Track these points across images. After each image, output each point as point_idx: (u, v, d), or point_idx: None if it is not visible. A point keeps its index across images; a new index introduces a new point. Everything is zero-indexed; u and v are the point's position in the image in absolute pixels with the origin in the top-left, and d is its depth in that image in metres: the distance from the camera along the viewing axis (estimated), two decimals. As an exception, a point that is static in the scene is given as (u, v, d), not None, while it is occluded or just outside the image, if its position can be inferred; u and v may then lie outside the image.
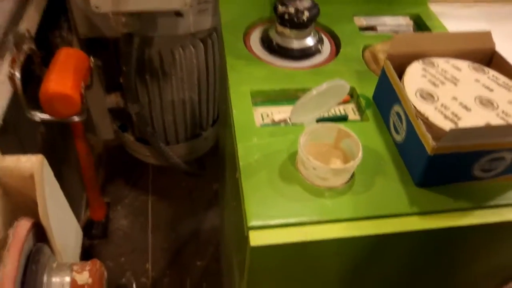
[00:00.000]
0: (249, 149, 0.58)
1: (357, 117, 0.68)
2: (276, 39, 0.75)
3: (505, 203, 0.56)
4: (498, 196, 0.56)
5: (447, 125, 0.53)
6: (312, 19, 0.72)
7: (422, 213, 0.53)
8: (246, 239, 0.50)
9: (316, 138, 0.58)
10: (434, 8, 0.96)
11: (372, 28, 0.85)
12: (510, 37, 1.06)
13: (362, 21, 0.86)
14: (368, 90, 0.69)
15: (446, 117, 0.54)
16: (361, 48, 0.78)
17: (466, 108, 0.55)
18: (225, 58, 0.73)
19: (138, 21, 0.82)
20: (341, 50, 0.77)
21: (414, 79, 0.59)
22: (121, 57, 0.91)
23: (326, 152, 0.59)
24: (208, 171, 1.41)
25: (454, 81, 0.59)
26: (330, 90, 0.54)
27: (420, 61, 0.62)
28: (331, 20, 0.84)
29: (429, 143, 0.51)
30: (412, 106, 0.55)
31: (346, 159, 0.58)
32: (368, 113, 0.66)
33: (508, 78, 0.61)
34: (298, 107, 0.53)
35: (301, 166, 0.56)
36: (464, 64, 0.63)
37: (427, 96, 0.57)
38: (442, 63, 0.62)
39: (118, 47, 0.92)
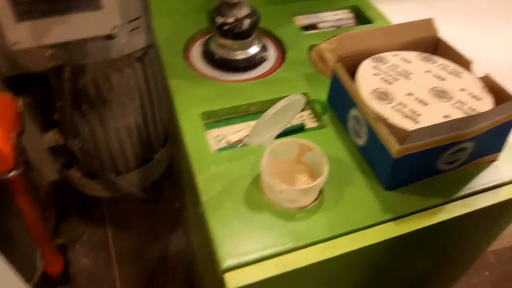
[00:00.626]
0: (208, 180, 0.54)
1: (315, 123, 0.65)
2: (218, 52, 0.71)
3: (472, 191, 0.55)
4: (464, 186, 0.56)
5: (407, 124, 0.51)
6: (253, 27, 0.68)
7: (396, 218, 0.52)
8: (221, 281, 0.46)
9: (278, 156, 0.55)
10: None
11: (313, 26, 0.82)
12: (445, 13, 1.08)
13: (302, 20, 0.83)
14: (320, 93, 0.66)
15: (405, 115, 0.52)
16: (307, 49, 0.75)
17: (423, 102, 0.54)
18: (167, 80, 0.68)
19: (66, 52, 0.74)
20: (287, 54, 0.74)
21: (367, 79, 0.57)
22: (53, 91, 0.83)
23: (290, 169, 0.56)
24: (166, 192, 1.35)
25: (407, 75, 0.58)
26: (286, 106, 0.50)
27: (370, 59, 0.60)
28: (271, 23, 0.80)
29: (393, 146, 0.49)
30: (370, 109, 0.53)
31: (311, 172, 0.55)
32: (325, 118, 0.63)
33: (456, 64, 0.60)
34: (255, 130, 0.49)
35: (267, 190, 0.52)
36: (412, 56, 0.61)
37: (383, 96, 0.55)
38: (391, 57, 0.61)
39: (48, 81, 0.84)
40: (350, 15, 0.85)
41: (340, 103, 0.61)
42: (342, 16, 0.84)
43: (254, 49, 0.71)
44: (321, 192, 0.53)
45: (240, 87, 0.67)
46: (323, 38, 0.76)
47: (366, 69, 0.59)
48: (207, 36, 0.76)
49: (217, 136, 0.62)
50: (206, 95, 0.65)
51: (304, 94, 0.66)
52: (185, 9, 0.80)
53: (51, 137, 0.98)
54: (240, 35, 0.67)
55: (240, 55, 0.70)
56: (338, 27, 0.82)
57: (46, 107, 0.94)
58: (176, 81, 0.68)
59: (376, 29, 0.63)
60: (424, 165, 0.53)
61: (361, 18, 0.86)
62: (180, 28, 0.78)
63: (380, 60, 0.60)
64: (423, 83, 0.57)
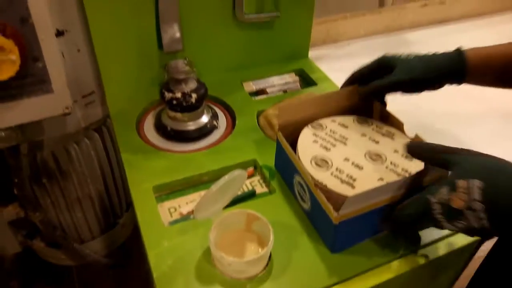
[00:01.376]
0: (160, 256, 0.55)
1: (265, 188, 0.68)
2: (169, 124, 0.74)
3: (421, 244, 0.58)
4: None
5: (345, 190, 0.54)
6: (201, 100, 0.72)
7: (342, 280, 0.54)
8: None
9: (227, 227, 0.57)
10: (314, 53, 1.02)
11: (262, 91, 0.87)
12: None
13: (251, 85, 0.88)
14: (269, 159, 0.69)
15: (342, 181, 0.56)
16: (255, 114, 0.79)
17: (359, 167, 0.58)
18: (120, 154, 0.70)
19: (20, 131, 0.76)
20: (236, 121, 0.78)
21: (307, 146, 0.61)
22: (10, 168, 0.84)
23: (240, 238, 0.58)
24: (135, 255, 1.33)
25: (344, 141, 0.62)
26: (229, 181, 0.53)
27: (310, 126, 0.64)
28: (221, 90, 0.85)
29: (331, 212, 0.52)
30: (310, 177, 0.56)
31: (260, 240, 0.57)
32: (274, 183, 0.66)
33: (389, 125, 0.65)
34: (200, 205, 0.52)
35: (217, 262, 0.54)
36: (349, 120, 0.66)
37: (322, 163, 0.58)
38: (329, 123, 0.65)
39: (4, 157, 0.85)
40: (296, 78, 0.91)
41: (285, 168, 0.64)
42: (289, 79, 0.89)
43: (204, 119, 0.75)
44: (270, 259, 0.55)
45: (192, 157, 0.70)
46: (271, 103, 0.81)
47: (306, 136, 0.63)
48: (159, 108, 0.79)
49: (170, 208, 0.64)
50: (158, 168, 0.68)
51: (253, 160, 0.70)
52: (137, 82, 0.83)
53: (11, 211, 0.97)
54: (189, 108, 0.71)
55: (191, 126, 0.73)
56: (285, 91, 0.87)
57: (4, 181, 0.94)
58: (128, 155, 0.70)
59: (312, 98, 0.67)
60: (365, 227, 0.56)
61: (306, 80, 0.91)
62: (133, 100, 0.81)
63: (319, 126, 0.64)
64: (359, 147, 0.61)
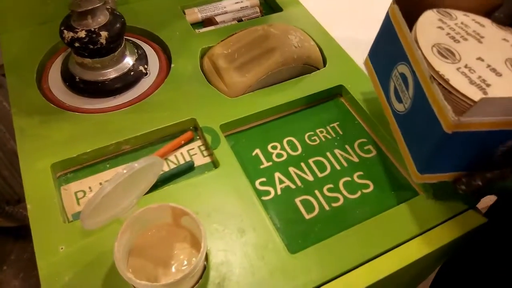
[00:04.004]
0: (54, 267, 0.40)
1: (207, 159, 0.51)
2: (78, 73, 0.55)
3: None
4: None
5: (473, 94, 0.38)
6: (115, 39, 0.52)
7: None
8: None
9: (149, 223, 0.41)
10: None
11: (210, 22, 0.67)
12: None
13: (195, 13, 0.67)
14: (213, 117, 0.52)
15: (472, 81, 0.40)
16: (198, 54, 0.60)
17: (496, 72, 0.41)
18: (12, 117, 0.52)
19: None
20: (172, 65, 0.59)
21: (429, 31, 0.44)
22: None
23: (168, 236, 0.42)
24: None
25: (478, 38, 0.45)
26: (139, 171, 0.36)
27: (435, 10, 0.47)
28: (154, 20, 0.64)
29: (447, 116, 0.36)
30: (425, 66, 0.39)
31: (194, 238, 0.42)
32: (218, 153, 0.49)
33: None
34: (90, 211, 0.35)
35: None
36: (486, 21, 0.48)
37: (447, 53, 0.42)
38: (461, 16, 0.48)
39: None
40: (255, 1, 0.70)
41: (386, 56, 0.48)
42: (246, 3, 0.69)
43: (126, 64, 0.56)
44: (205, 269, 0.40)
45: (108, 118, 0.52)
46: (220, 37, 0.61)
47: (429, 19, 0.46)
48: (68, 50, 0.59)
49: (78, 192, 0.48)
50: (62, 136, 0.50)
51: (192, 120, 0.52)
52: (41, 17, 0.62)
53: None
54: (98, 53, 0.52)
55: (106, 75, 0.54)
56: (240, 20, 0.67)
57: None
58: (22, 119, 0.52)
59: None
60: (480, 153, 0.40)
61: (269, 5, 0.71)
62: (35, 40, 0.61)
63: (447, 14, 0.47)
64: (498, 50, 0.44)
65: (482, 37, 0.46)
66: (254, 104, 0.54)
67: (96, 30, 0.50)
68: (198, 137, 0.53)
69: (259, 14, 0.69)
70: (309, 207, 0.46)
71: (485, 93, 0.39)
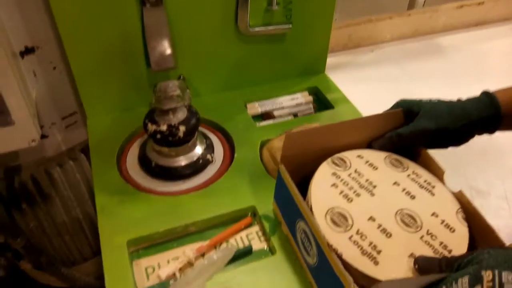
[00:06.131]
0: None
1: (264, 243, 0.56)
2: (154, 158, 0.62)
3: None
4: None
5: (365, 266, 0.42)
6: (191, 133, 0.60)
7: None
8: None
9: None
10: (332, 60, 0.88)
11: (268, 115, 0.75)
12: (416, 75, 1.02)
13: (256, 107, 0.75)
14: (270, 206, 0.58)
15: (363, 251, 0.43)
16: (258, 145, 0.67)
17: (386, 233, 0.45)
18: (95, 195, 0.60)
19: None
20: (235, 154, 0.66)
21: (324, 191, 0.48)
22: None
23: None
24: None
25: (371, 189, 0.49)
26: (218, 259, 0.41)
27: (330, 162, 0.52)
28: (221, 113, 0.73)
29: (350, 286, 0.39)
30: (321, 232, 0.43)
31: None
32: (275, 240, 0.54)
33: (428, 172, 0.52)
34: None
35: None
36: (380, 158, 0.53)
37: (340, 220, 0.46)
38: (355, 160, 0.52)
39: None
40: (309, 98, 0.78)
41: (286, 207, 0.52)
42: (301, 100, 0.77)
43: (196, 152, 0.63)
44: None
45: (178, 201, 0.59)
46: (277, 131, 0.69)
47: (323, 176, 0.50)
48: (146, 136, 0.68)
49: (148, 267, 0.53)
50: (137, 215, 0.56)
51: (252, 207, 0.58)
52: (123, 104, 0.72)
53: (-9, 236, 0.88)
54: (176, 143, 0.59)
55: (179, 161, 0.62)
56: (295, 115, 0.75)
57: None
58: (103, 197, 0.59)
59: (335, 125, 0.54)
60: None
61: (322, 101, 0.79)
62: (117, 125, 0.70)
63: (341, 163, 0.52)
64: (389, 201, 0.48)
65: (374, 186, 0.49)
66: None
67: (176, 125, 0.58)
68: (256, 223, 0.58)
69: (313, 110, 0.76)
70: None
71: (376, 262, 0.42)
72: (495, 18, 1.25)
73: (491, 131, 0.52)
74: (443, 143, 0.53)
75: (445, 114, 0.50)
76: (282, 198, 0.53)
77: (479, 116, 0.50)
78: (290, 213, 0.50)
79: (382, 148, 0.54)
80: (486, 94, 0.51)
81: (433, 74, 1.03)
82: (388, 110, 0.55)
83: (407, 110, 0.53)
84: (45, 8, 0.61)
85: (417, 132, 0.50)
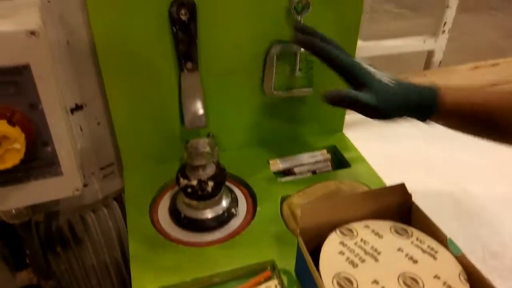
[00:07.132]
0: None
1: (283, 297, 0.60)
2: (184, 210, 0.68)
3: None
4: None
5: None
6: (219, 187, 0.66)
7: None
8: None
9: None
10: (351, 118, 0.94)
11: (289, 172, 0.80)
12: (432, 134, 1.05)
13: (278, 164, 0.81)
14: (289, 261, 0.61)
15: None
16: (279, 200, 0.72)
17: None
18: (129, 241, 0.65)
19: (31, 208, 0.73)
20: (257, 208, 0.71)
21: (332, 258, 0.53)
22: (22, 240, 0.81)
23: None
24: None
25: (375, 256, 0.53)
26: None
27: (338, 232, 0.56)
28: (244, 168, 0.78)
29: None
30: None
31: None
32: (293, 293, 0.58)
33: (431, 238, 0.56)
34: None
35: None
36: (386, 227, 0.57)
37: (346, 284, 0.50)
38: (361, 229, 0.57)
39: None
40: (327, 156, 0.83)
41: (306, 279, 0.56)
42: (319, 157, 0.82)
43: (222, 206, 0.68)
44: None
45: (204, 252, 0.63)
46: (297, 186, 0.73)
47: (331, 245, 0.55)
48: (176, 188, 0.73)
49: (174, 315, 0.57)
50: (166, 265, 0.61)
51: (271, 262, 0.62)
52: (157, 157, 0.79)
53: (25, 276, 0.93)
54: (205, 197, 0.65)
55: (206, 214, 0.67)
56: (314, 172, 0.80)
57: (19, 248, 0.91)
58: (136, 244, 0.64)
59: (344, 198, 0.59)
60: None
61: (339, 160, 0.84)
62: (151, 177, 0.76)
63: (348, 233, 0.56)
64: (392, 266, 0.52)
65: (379, 252, 0.53)
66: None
67: (205, 180, 0.64)
68: (275, 276, 0.62)
69: (330, 168, 0.81)
70: None
71: None
72: (510, 79, 1.30)
73: (422, 119, 0.57)
74: (380, 118, 0.57)
75: (397, 98, 0.55)
76: (302, 268, 0.57)
77: (419, 104, 0.55)
78: (310, 283, 0.54)
79: (329, 99, 0.57)
80: (434, 90, 0.55)
81: (449, 134, 1.07)
82: (343, 61, 0.58)
83: (356, 76, 0.56)
84: (96, 71, 0.69)
85: (364, 104, 0.54)
